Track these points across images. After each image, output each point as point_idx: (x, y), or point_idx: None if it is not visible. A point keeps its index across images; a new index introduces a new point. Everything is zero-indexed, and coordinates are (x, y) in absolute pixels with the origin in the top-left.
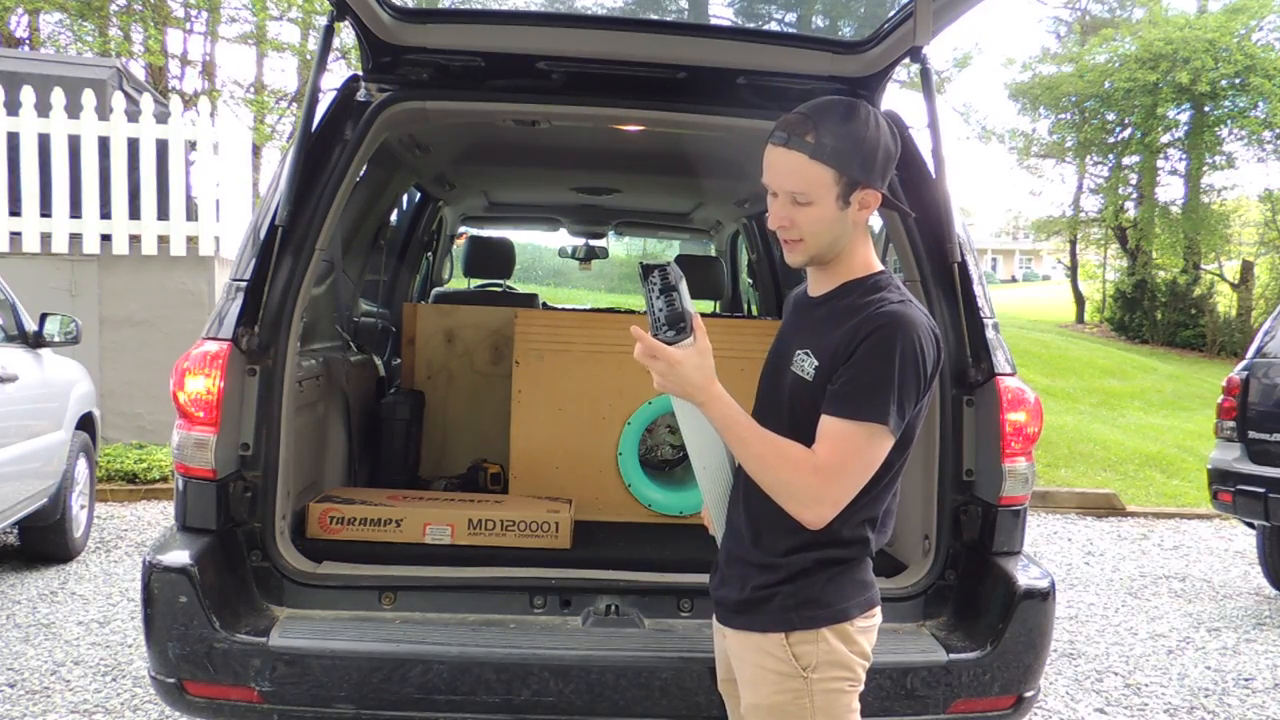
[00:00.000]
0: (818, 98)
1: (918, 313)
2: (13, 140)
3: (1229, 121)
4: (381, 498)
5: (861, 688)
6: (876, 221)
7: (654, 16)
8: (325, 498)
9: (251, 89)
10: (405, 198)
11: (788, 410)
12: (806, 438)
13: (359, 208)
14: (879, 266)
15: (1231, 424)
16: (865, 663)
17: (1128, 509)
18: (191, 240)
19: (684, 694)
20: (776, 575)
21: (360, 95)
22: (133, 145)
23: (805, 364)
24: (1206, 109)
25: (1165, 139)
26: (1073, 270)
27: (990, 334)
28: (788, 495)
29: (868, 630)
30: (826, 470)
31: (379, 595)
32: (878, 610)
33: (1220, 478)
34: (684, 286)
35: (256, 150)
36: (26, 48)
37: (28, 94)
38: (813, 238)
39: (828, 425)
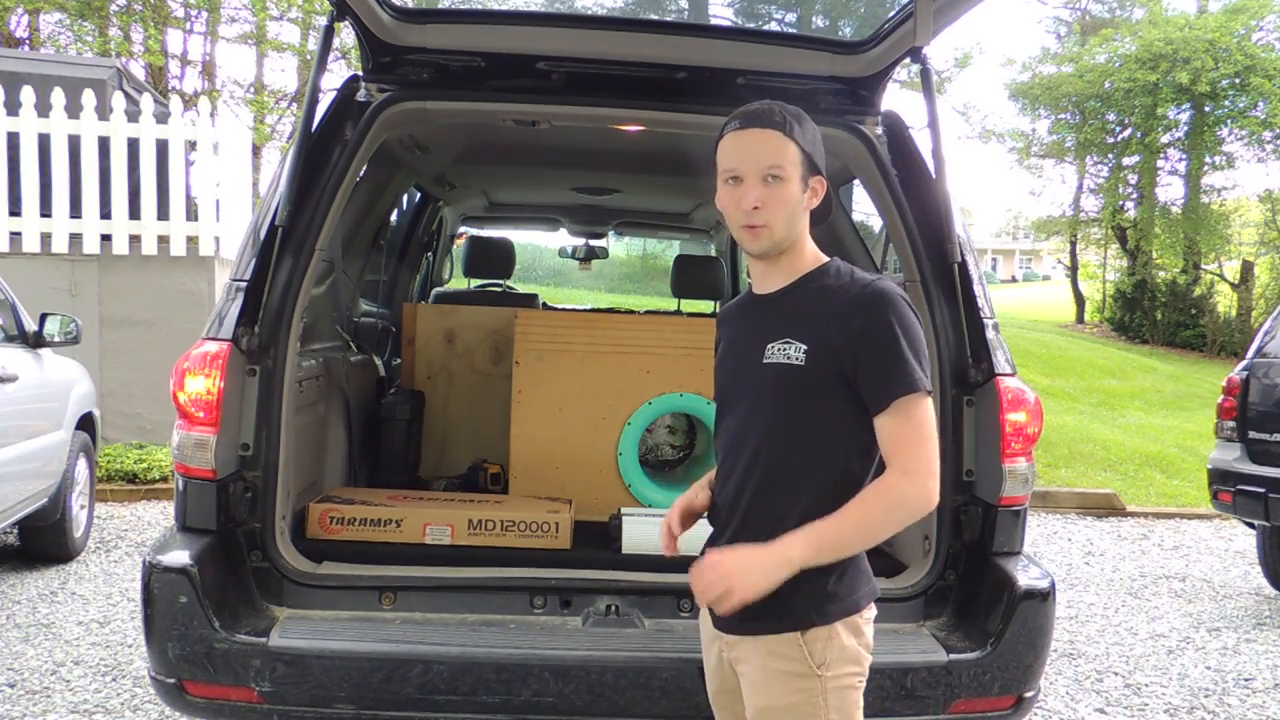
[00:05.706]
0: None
1: (892, 284)
2: (13, 140)
3: (1229, 121)
4: (381, 498)
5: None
6: (877, 222)
7: (654, 16)
8: (325, 498)
9: (251, 89)
10: (405, 198)
11: (773, 400)
12: (797, 419)
13: (359, 208)
14: (826, 257)
15: (1231, 424)
16: (870, 656)
17: (1128, 509)
18: (191, 240)
19: (684, 694)
20: (795, 576)
21: (360, 95)
22: (133, 145)
23: (789, 350)
24: (1206, 109)
25: (1165, 139)
26: (1073, 270)
27: (990, 334)
28: (904, 517)
29: (871, 621)
30: (907, 465)
31: (379, 595)
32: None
33: (1220, 478)
34: None
35: (256, 150)
36: (26, 48)
37: (28, 94)
38: (776, 220)
39: (887, 423)
